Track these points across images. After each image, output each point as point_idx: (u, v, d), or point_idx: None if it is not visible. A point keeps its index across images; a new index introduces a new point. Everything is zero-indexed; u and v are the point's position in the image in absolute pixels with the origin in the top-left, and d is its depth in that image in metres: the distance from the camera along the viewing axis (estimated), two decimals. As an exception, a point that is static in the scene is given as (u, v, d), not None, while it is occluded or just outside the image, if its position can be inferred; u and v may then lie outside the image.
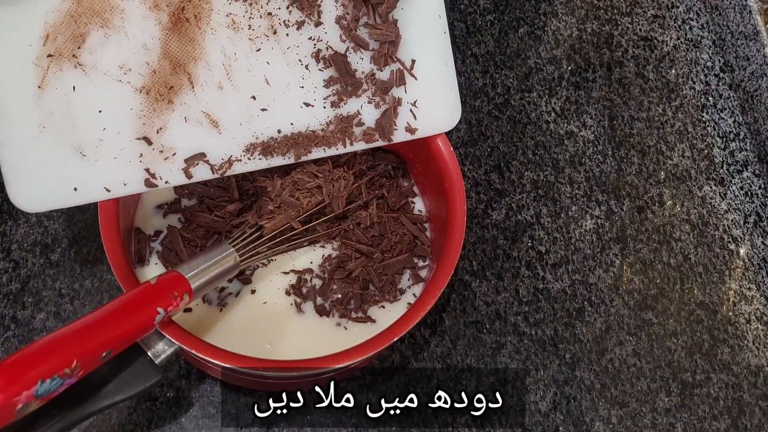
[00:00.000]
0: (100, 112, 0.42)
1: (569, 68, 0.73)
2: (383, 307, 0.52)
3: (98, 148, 0.43)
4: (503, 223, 0.64)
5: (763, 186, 0.71)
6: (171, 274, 0.43)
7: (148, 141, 0.44)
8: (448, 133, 0.52)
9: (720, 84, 0.76)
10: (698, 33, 0.79)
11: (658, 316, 0.62)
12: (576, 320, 0.60)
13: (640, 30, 0.78)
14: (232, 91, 0.44)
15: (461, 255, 0.49)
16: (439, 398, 0.53)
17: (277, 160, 0.47)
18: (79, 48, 0.41)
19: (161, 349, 0.43)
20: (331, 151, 0.48)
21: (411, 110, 0.49)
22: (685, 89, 0.75)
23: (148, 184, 0.45)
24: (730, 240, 0.67)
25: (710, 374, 0.61)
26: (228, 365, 0.42)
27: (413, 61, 0.47)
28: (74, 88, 0.41)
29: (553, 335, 0.60)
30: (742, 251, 0.67)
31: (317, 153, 0.48)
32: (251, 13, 0.43)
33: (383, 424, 0.54)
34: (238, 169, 0.46)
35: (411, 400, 0.53)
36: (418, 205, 0.56)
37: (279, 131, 0.46)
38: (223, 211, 0.51)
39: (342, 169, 0.52)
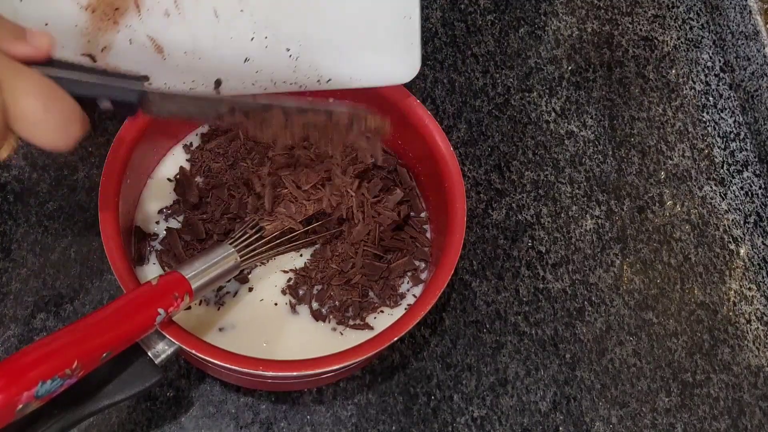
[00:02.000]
0: (46, 25, 0.42)
1: (569, 68, 0.73)
2: (382, 311, 0.52)
3: None
4: (503, 223, 0.64)
5: (763, 186, 0.71)
6: (172, 274, 0.43)
7: (92, 58, 0.44)
8: (448, 133, 0.52)
9: (720, 84, 0.76)
10: (698, 33, 0.79)
11: (658, 316, 0.62)
12: (576, 320, 0.61)
13: (641, 30, 0.77)
14: (178, 19, 0.44)
15: (461, 255, 0.49)
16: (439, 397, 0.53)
17: (227, 91, 0.47)
18: None
19: (161, 349, 0.43)
20: (286, 87, 0.48)
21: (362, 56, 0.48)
22: (686, 89, 0.75)
23: None
24: (731, 240, 0.67)
25: (710, 374, 0.61)
26: (228, 365, 0.42)
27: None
28: None
29: (553, 335, 0.60)
30: (742, 251, 0.67)
31: (271, 86, 0.48)
32: None
33: (383, 423, 0.54)
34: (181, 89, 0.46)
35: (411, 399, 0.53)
36: (419, 205, 0.56)
37: (229, 62, 0.46)
38: (223, 210, 0.51)
39: (343, 171, 0.52)
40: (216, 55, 0.46)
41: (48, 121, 0.33)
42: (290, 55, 0.47)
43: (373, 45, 0.49)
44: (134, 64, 0.44)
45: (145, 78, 0.44)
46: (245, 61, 0.47)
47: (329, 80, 0.49)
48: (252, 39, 0.46)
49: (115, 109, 0.38)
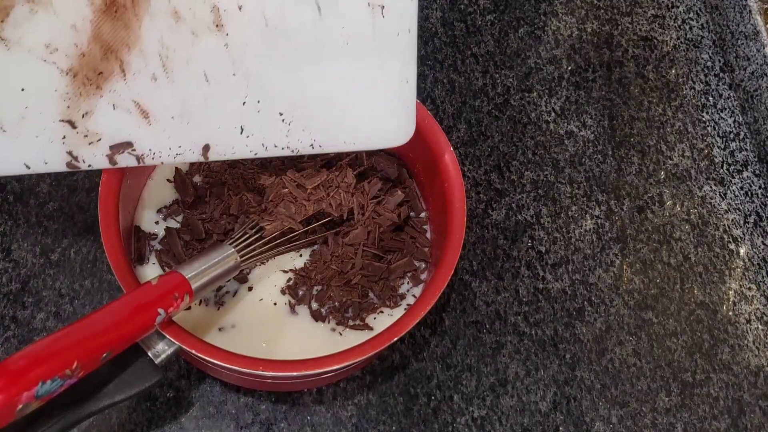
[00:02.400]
0: (22, 90, 0.40)
1: (569, 68, 0.73)
2: (382, 312, 0.52)
3: (19, 125, 0.41)
4: (503, 223, 0.64)
5: (763, 186, 0.71)
6: (172, 274, 0.43)
7: (72, 124, 0.42)
8: (448, 133, 0.52)
9: (720, 84, 0.76)
10: (698, 33, 0.79)
11: (658, 315, 0.62)
12: (576, 320, 0.61)
13: (640, 30, 0.78)
14: (166, 83, 0.42)
15: (461, 255, 0.49)
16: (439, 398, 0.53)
17: (215, 157, 0.45)
18: (2, 21, 0.39)
19: (161, 349, 0.43)
20: (278, 152, 0.46)
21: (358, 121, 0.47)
22: (685, 89, 0.75)
23: (70, 166, 0.43)
24: (730, 240, 0.67)
25: (710, 374, 0.61)
26: (228, 365, 0.42)
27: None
28: None
29: (553, 335, 0.60)
30: (742, 251, 0.67)
31: (262, 151, 0.46)
32: (195, 3, 0.41)
33: (383, 423, 0.54)
34: (166, 160, 0.44)
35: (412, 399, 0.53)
36: (419, 205, 0.56)
37: (219, 127, 0.44)
38: (222, 210, 0.51)
39: (344, 172, 0.52)
40: (205, 119, 0.44)
41: None
42: (283, 120, 0.46)
43: (370, 109, 0.47)
44: (117, 130, 0.43)
45: (129, 145, 0.43)
46: (236, 126, 0.45)
47: (322, 145, 0.47)
48: (244, 103, 0.44)
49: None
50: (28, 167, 0.43)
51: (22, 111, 0.41)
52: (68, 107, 0.42)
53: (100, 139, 0.43)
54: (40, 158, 0.43)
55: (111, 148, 0.43)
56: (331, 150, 0.48)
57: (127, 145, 0.43)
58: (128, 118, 0.43)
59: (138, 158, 0.44)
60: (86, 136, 0.43)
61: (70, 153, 0.43)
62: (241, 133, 0.45)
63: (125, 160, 0.44)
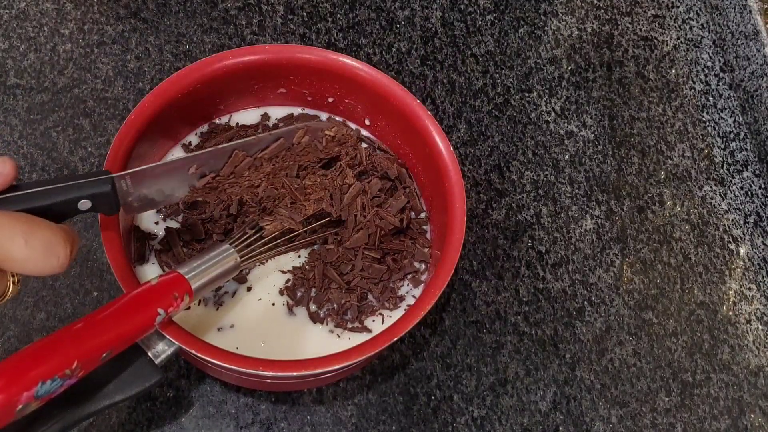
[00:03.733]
0: None
1: (569, 68, 0.73)
2: (381, 314, 0.51)
3: None
4: (503, 223, 0.64)
5: (763, 186, 0.71)
6: (171, 274, 0.43)
7: None
8: (448, 133, 0.52)
9: (720, 84, 0.76)
10: (698, 33, 0.79)
11: (658, 316, 0.62)
12: (576, 320, 0.60)
13: (641, 30, 0.77)
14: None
15: (461, 255, 0.49)
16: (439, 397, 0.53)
17: None
18: None
19: (161, 349, 0.43)
20: None
21: None
22: (685, 89, 0.75)
23: None
24: (731, 240, 0.67)
25: (710, 374, 0.61)
26: (228, 365, 0.42)
27: None
28: None
29: (553, 335, 0.60)
30: (742, 251, 0.67)
31: None
32: None
33: (383, 423, 0.54)
34: None
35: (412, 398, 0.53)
36: (419, 205, 0.56)
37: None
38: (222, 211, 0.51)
39: (344, 172, 0.52)
40: None
41: (33, 253, 0.33)
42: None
43: None
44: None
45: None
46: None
47: None
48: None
49: (94, 205, 0.39)
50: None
51: None
52: None
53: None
54: None
55: None
56: None
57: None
58: None
59: None
60: None
61: None
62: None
63: None
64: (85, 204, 0.38)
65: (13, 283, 0.36)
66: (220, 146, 0.47)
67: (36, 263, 0.33)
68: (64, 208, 0.38)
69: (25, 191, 0.36)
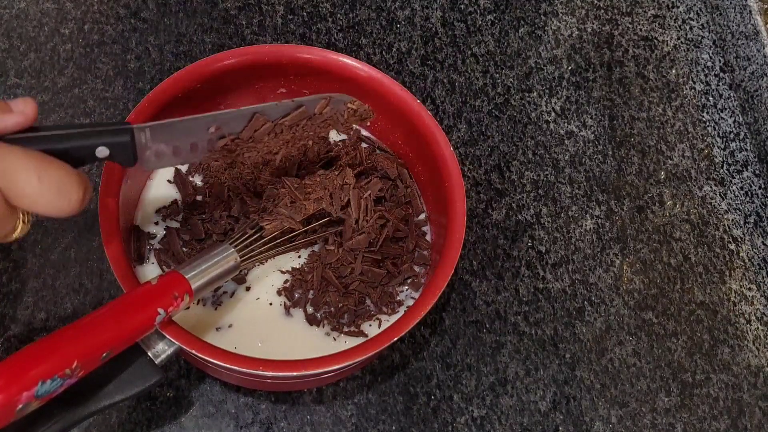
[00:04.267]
0: None
1: (569, 68, 0.73)
2: (378, 319, 0.51)
3: None
4: (503, 222, 0.64)
5: (763, 186, 0.71)
6: (171, 274, 0.43)
7: None
8: (448, 133, 0.52)
9: (720, 84, 0.76)
10: (698, 33, 0.79)
11: (658, 316, 0.62)
12: (576, 320, 0.61)
13: (641, 30, 0.77)
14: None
15: (461, 255, 0.49)
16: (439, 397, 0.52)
17: None
18: None
19: (161, 349, 0.43)
20: None
21: None
22: (686, 89, 0.75)
23: None
24: (730, 240, 0.67)
25: (710, 374, 0.61)
26: (228, 365, 0.42)
27: None
28: None
29: (553, 335, 0.60)
30: (742, 251, 0.67)
31: None
32: None
33: (383, 423, 0.54)
34: None
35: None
36: (419, 206, 0.56)
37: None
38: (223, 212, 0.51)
39: (344, 172, 0.52)
40: None
41: (45, 191, 0.33)
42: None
43: None
44: None
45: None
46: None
47: None
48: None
49: (112, 154, 0.39)
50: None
51: None
52: None
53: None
54: None
55: None
56: None
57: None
58: None
59: None
60: None
61: None
62: None
63: None
64: (102, 152, 0.38)
65: (23, 221, 0.36)
66: (242, 108, 0.46)
67: (48, 201, 0.34)
68: (81, 153, 0.37)
69: (45, 132, 0.36)
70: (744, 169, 0.72)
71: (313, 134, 0.49)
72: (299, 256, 0.52)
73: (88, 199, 0.36)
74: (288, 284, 0.51)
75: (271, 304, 0.51)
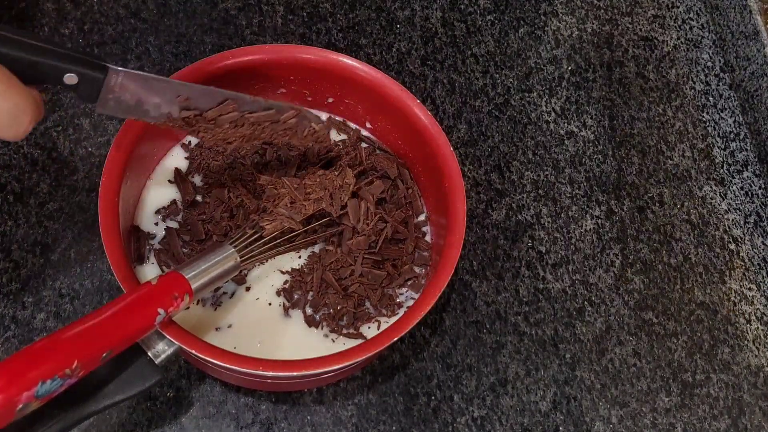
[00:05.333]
0: None
1: (569, 68, 0.73)
2: (378, 321, 0.51)
3: None
4: (503, 223, 0.64)
5: (763, 186, 0.71)
6: (171, 274, 0.43)
7: None
8: (448, 133, 0.52)
9: (720, 84, 0.76)
10: (698, 33, 0.79)
11: (658, 316, 0.62)
12: (576, 320, 0.61)
13: (641, 30, 0.78)
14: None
15: (461, 255, 0.49)
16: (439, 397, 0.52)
17: None
18: None
19: (161, 349, 0.43)
20: None
21: None
22: (686, 89, 0.75)
23: None
24: (731, 240, 0.67)
25: (710, 374, 0.61)
26: (228, 365, 0.42)
27: None
28: None
29: (553, 335, 0.60)
30: (742, 251, 0.67)
31: None
32: None
33: (383, 423, 0.54)
34: None
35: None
36: (419, 206, 0.56)
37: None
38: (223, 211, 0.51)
39: (344, 172, 0.52)
40: None
41: (1, 110, 0.32)
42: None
43: None
44: None
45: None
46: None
47: None
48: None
49: (78, 84, 0.37)
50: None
51: None
52: None
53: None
54: None
55: None
56: None
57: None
58: None
59: None
60: None
61: None
62: None
63: None
64: (71, 78, 0.37)
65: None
66: (217, 89, 0.46)
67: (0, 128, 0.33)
68: (49, 73, 0.36)
69: (26, 39, 0.34)
70: (744, 169, 0.72)
71: (269, 138, 0.50)
72: (299, 257, 0.52)
73: (36, 122, 0.34)
74: (287, 285, 0.51)
75: (270, 304, 0.51)
